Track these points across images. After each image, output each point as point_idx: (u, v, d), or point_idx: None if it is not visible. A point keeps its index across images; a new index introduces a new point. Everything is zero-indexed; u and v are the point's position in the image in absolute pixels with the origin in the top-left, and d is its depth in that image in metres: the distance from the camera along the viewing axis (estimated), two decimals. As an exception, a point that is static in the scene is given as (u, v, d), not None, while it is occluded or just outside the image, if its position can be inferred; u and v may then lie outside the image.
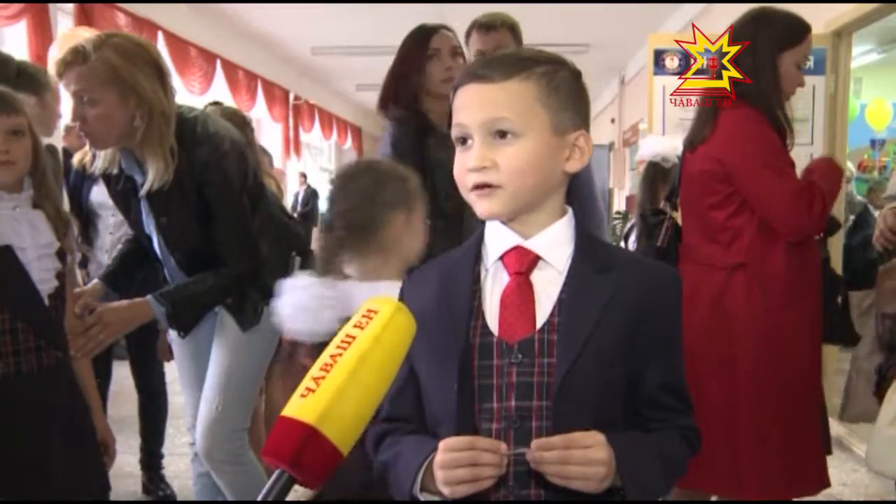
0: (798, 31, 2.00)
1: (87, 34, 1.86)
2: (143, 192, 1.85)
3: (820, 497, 3.00)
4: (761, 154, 1.93)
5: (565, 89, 1.00)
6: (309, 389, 0.70)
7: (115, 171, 1.93)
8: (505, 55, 1.03)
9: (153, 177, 1.81)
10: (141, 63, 1.76)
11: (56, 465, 1.62)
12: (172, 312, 1.87)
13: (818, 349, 2.06)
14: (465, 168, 0.99)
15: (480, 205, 0.99)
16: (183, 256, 1.97)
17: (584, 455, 0.90)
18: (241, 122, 2.83)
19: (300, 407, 0.69)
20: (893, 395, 1.77)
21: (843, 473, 3.13)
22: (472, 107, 0.99)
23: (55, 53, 2.06)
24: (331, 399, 0.69)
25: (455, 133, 1.01)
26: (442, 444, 0.93)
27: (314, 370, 0.71)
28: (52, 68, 1.87)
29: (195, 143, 1.85)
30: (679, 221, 2.19)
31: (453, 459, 0.91)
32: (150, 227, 1.97)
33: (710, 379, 1.94)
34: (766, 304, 1.95)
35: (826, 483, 2.03)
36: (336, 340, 0.74)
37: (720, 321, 1.98)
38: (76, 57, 1.70)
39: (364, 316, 0.76)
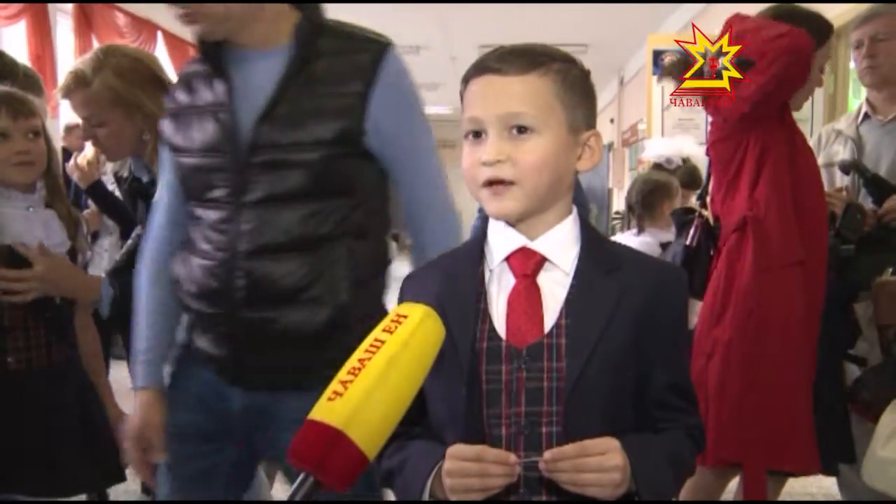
0: (826, 31, 1.96)
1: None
2: (155, 199, 1.85)
3: (820, 497, 3.01)
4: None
5: (578, 87, 0.99)
6: (336, 393, 0.69)
7: (126, 173, 1.93)
8: (520, 49, 0.99)
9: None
10: (141, 80, 1.75)
11: (68, 458, 1.65)
12: (119, 298, 1.74)
13: (814, 321, 1.98)
14: (478, 162, 0.96)
15: (493, 203, 0.97)
16: None
17: (598, 462, 0.88)
18: None
19: (327, 410, 0.68)
20: (887, 417, 1.80)
21: (842, 473, 3.13)
22: (487, 99, 0.96)
23: None
24: (358, 403, 0.68)
25: (467, 126, 0.98)
26: (450, 452, 0.91)
27: (342, 374, 0.71)
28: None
29: None
30: (710, 220, 2.18)
31: (462, 468, 0.89)
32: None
33: (704, 335, 1.95)
34: (760, 263, 1.93)
35: (808, 462, 1.96)
36: (364, 345, 0.73)
37: (727, 280, 1.97)
38: (77, 83, 1.71)
39: (393, 321, 0.75)
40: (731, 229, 2.01)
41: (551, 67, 0.97)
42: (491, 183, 0.95)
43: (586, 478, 0.88)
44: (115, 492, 2.99)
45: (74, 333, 1.74)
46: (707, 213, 2.18)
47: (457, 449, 0.91)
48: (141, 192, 1.90)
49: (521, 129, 0.95)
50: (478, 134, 0.97)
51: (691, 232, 2.16)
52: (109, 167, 1.95)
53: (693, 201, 2.34)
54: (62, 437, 1.65)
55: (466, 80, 1.00)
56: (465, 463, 0.89)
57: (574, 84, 0.98)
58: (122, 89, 1.71)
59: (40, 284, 1.64)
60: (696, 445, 1.04)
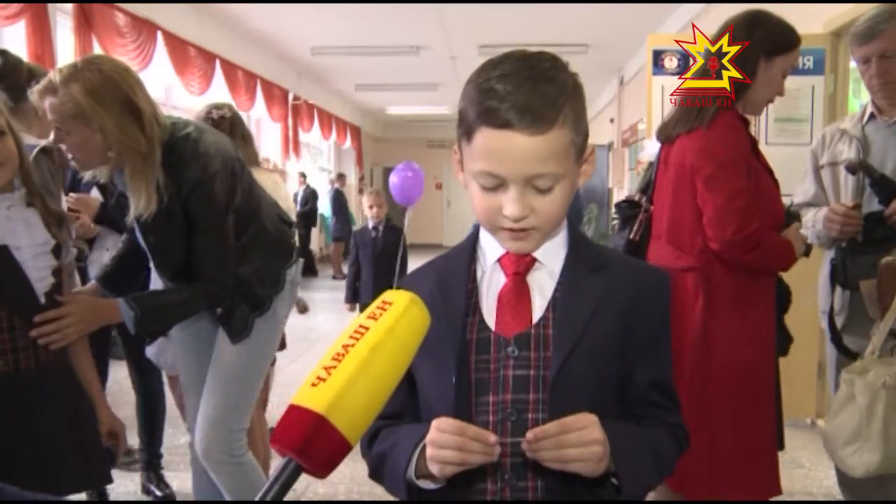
0: (791, 38, 2.02)
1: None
2: (129, 218, 1.85)
3: (820, 497, 3.01)
4: (723, 165, 1.94)
5: (581, 107, 0.98)
6: (320, 378, 0.69)
7: (103, 179, 1.93)
8: (537, 96, 0.93)
9: (134, 209, 1.81)
10: (109, 100, 1.73)
11: (57, 460, 1.63)
12: (141, 318, 1.83)
13: (771, 360, 2.07)
14: (497, 209, 0.97)
15: (513, 244, 1.01)
16: (172, 274, 1.97)
17: (579, 437, 0.90)
18: (233, 117, 2.85)
19: (310, 395, 0.69)
20: (837, 397, 1.92)
21: (842, 473, 3.13)
22: (511, 159, 0.93)
23: None
24: (341, 389, 0.69)
25: (483, 179, 0.97)
26: (435, 423, 0.94)
27: (326, 359, 0.71)
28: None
29: (184, 164, 1.83)
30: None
31: (443, 440, 0.92)
32: (142, 242, 1.98)
33: None
34: (712, 310, 1.98)
35: (777, 491, 2.05)
36: (349, 331, 0.74)
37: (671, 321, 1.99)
38: (47, 89, 1.72)
39: (378, 307, 0.76)
40: (666, 263, 2.02)
41: (566, 105, 0.94)
42: (512, 229, 0.98)
43: (569, 453, 0.90)
44: (115, 492, 3.00)
45: None
46: (653, 209, 2.19)
47: (441, 421, 0.93)
48: (126, 204, 1.90)
49: (546, 186, 0.96)
50: (496, 184, 0.96)
51: (636, 226, 2.18)
52: (88, 173, 1.93)
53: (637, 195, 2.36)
54: (49, 438, 1.63)
55: (476, 122, 0.95)
56: (446, 435, 0.92)
57: (580, 109, 0.98)
58: (86, 105, 1.70)
59: (77, 326, 1.69)
60: (678, 443, 1.07)
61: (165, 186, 1.81)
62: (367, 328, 0.73)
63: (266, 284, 2.08)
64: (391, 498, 1.05)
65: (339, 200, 11.49)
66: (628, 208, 2.27)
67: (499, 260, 1.04)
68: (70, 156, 1.84)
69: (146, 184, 1.79)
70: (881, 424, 1.86)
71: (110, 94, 1.73)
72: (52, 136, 1.82)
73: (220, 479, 2.09)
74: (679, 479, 1.94)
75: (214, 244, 1.91)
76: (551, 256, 1.04)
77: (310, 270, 11.00)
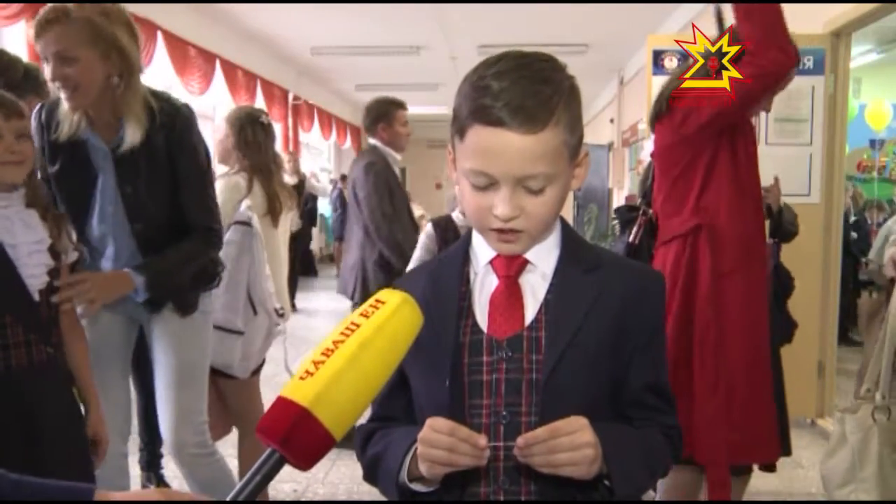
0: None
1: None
2: (124, 147, 1.88)
3: (819, 497, 3.01)
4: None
5: (576, 110, 0.97)
6: (308, 372, 0.71)
7: (83, 137, 1.92)
8: (531, 96, 0.92)
9: (131, 135, 1.87)
10: (118, 22, 1.83)
11: (48, 460, 1.63)
12: (152, 282, 1.92)
13: (764, 319, 2.05)
14: (487, 209, 0.96)
15: (502, 246, 1.00)
16: (144, 227, 1.96)
17: (570, 441, 0.90)
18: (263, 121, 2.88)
19: (296, 388, 0.70)
20: (833, 429, 1.84)
21: (842, 473, 3.13)
22: (502, 158, 0.93)
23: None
24: (327, 383, 0.70)
25: (474, 177, 0.96)
26: (428, 422, 0.94)
27: (316, 354, 0.72)
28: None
29: (172, 110, 1.94)
30: (654, 219, 2.20)
31: (433, 439, 0.92)
32: (106, 200, 1.96)
33: (672, 341, 1.97)
34: (716, 269, 1.97)
35: (775, 453, 2.04)
36: (340, 327, 0.75)
37: (685, 283, 1.97)
38: (57, 15, 1.75)
39: (371, 305, 0.77)
40: (673, 233, 2.02)
41: (560, 106, 0.93)
42: (501, 230, 0.97)
43: (560, 458, 0.90)
44: (115, 492, 3.00)
45: (58, 333, 1.71)
46: (651, 212, 2.19)
47: (434, 420, 0.93)
48: (89, 165, 1.93)
49: (537, 187, 0.95)
50: (487, 184, 0.96)
51: (634, 229, 2.18)
52: (65, 129, 1.92)
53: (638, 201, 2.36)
54: (40, 438, 1.62)
55: (469, 119, 0.94)
56: (437, 434, 0.92)
57: (576, 112, 0.97)
58: (102, 24, 1.78)
59: (96, 292, 1.78)
60: (672, 444, 1.06)
61: (154, 117, 1.91)
62: (357, 325, 0.74)
63: (216, 262, 2.15)
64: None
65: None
66: (627, 212, 2.27)
67: (490, 262, 1.04)
68: (67, 93, 1.83)
69: (140, 107, 1.88)
70: (875, 467, 1.80)
71: (118, 16, 1.84)
72: (47, 73, 1.82)
73: (199, 475, 2.09)
74: (695, 446, 1.92)
75: (205, 189, 2.03)
76: (544, 258, 1.03)
77: (310, 271, 11.01)
